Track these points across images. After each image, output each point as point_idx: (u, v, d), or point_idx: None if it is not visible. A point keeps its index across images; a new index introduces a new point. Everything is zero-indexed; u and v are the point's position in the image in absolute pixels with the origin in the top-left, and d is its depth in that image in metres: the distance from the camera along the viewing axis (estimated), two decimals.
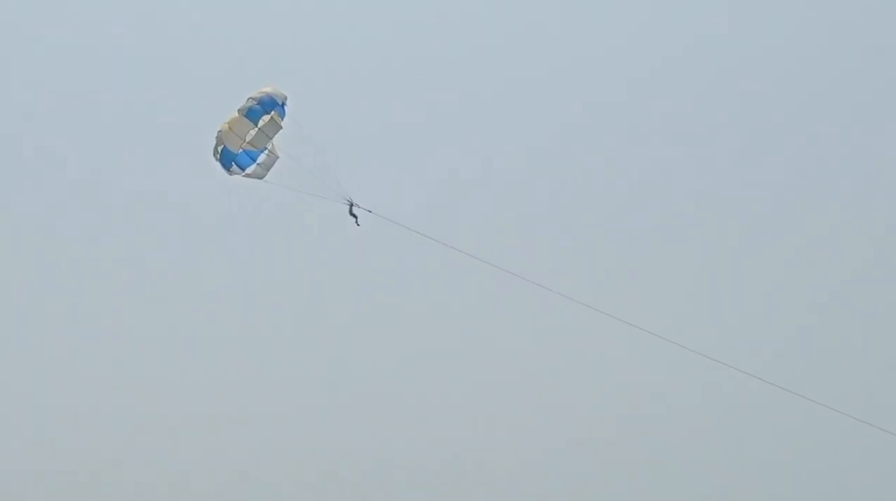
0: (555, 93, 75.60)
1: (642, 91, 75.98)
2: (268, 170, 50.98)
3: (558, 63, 76.46)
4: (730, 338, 65.60)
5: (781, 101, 75.56)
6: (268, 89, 50.73)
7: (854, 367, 65.79)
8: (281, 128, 50.25)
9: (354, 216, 50.38)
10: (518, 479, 64.12)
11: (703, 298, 68.53)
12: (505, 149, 73.54)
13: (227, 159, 50.27)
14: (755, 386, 50.68)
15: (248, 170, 50.73)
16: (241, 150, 50.12)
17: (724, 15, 77.03)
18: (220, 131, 50.13)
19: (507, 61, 76.29)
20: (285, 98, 50.53)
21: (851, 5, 77.25)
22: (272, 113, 50.14)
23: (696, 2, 77.75)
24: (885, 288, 68.58)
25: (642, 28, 76.99)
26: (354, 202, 50.36)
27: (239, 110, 50.08)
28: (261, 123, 49.90)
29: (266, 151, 50.57)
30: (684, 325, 63.38)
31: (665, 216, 71.86)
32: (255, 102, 50.14)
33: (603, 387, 65.64)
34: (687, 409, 65.25)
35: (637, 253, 70.53)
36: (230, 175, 50.76)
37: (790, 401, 50.44)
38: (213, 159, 50.46)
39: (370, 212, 50.38)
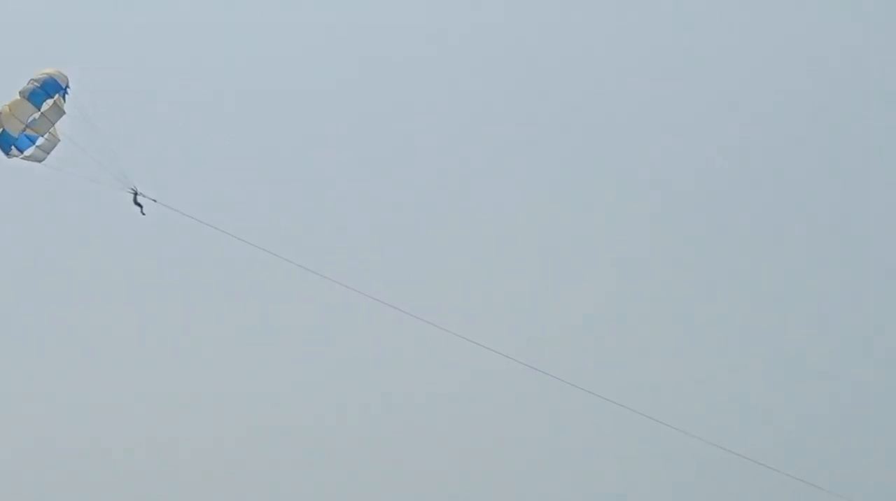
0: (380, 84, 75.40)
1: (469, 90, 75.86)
2: (47, 154, 49.90)
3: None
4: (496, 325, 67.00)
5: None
6: (50, 70, 49.45)
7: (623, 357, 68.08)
8: (64, 112, 49.17)
9: (139, 205, 49.75)
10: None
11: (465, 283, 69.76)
12: (296, 136, 73.29)
13: (6, 142, 48.99)
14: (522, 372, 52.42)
15: (27, 153, 49.57)
16: (21, 134, 48.96)
17: None
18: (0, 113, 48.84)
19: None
20: (68, 81, 49.49)
21: None
22: (55, 96, 49.00)
23: None
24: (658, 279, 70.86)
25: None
26: (138, 191, 49.74)
27: (20, 92, 48.73)
28: (44, 107, 48.74)
29: (47, 134, 49.53)
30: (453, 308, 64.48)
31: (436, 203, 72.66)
32: (37, 85, 48.83)
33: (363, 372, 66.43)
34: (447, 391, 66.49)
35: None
36: (8, 158, 49.59)
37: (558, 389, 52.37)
38: None
39: (155, 201, 49.87)
